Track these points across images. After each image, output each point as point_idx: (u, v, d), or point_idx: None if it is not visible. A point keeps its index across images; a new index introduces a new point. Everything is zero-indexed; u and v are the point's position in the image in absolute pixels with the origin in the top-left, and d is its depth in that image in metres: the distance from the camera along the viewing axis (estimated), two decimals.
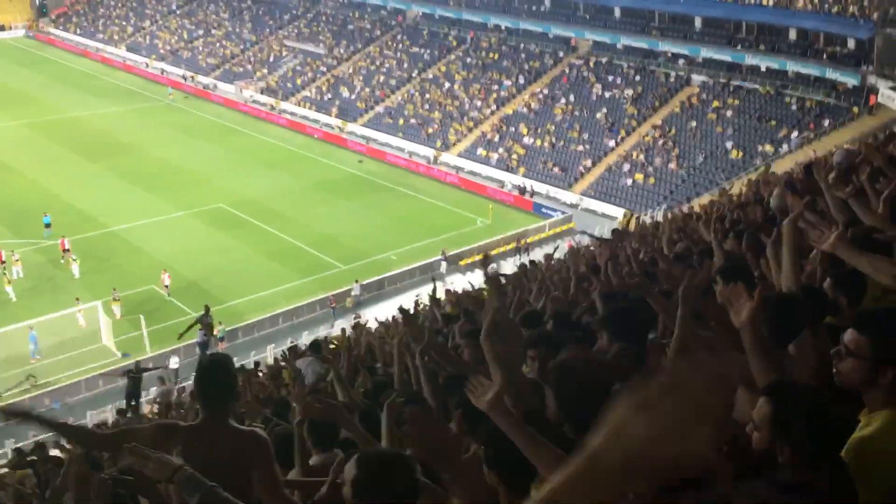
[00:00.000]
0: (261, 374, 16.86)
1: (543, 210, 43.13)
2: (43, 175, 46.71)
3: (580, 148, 47.55)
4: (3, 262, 34.32)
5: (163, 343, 29.14)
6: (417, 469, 2.93)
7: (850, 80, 42.02)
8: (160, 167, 48.78)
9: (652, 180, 43.54)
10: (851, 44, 42.76)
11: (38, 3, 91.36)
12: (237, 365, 21.15)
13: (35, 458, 11.87)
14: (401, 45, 64.50)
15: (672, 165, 43.86)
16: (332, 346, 13.99)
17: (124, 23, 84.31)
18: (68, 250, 35.65)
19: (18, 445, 18.96)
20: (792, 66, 44.79)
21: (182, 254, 36.77)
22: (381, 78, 61.15)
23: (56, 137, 54.16)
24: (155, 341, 29.40)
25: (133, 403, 21.75)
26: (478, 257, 37.09)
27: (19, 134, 54.96)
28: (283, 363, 15.33)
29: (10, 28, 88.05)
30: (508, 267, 27.94)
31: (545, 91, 53.54)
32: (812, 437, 2.64)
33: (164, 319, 30.81)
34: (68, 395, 27.13)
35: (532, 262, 18.48)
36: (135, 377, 21.76)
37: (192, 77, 69.29)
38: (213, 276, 34.75)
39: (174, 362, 27.33)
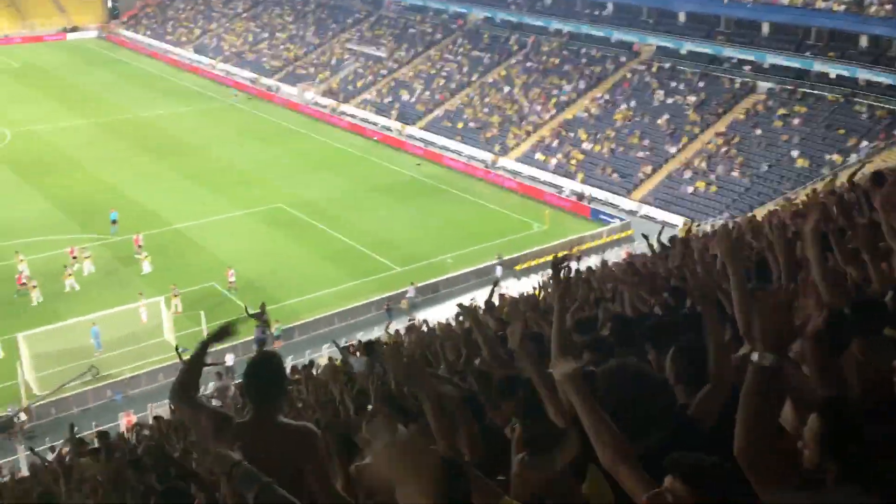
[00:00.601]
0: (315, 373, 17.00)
1: (601, 216, 42.68)
2: (111, 173, 48.05)
3: (640, 154, 46.93)
4: (75, 258, 35.26)
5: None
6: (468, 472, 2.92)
7: None
8: (223, 167, 49.74)
9: (714, 188, 42.71)
10: None
11: (109, 5, 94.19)
12: (292, 363, 21.41)
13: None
14: (461, 49, 64.62)
15: (735, 173, 42.97)
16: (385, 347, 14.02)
17: (192, 25, 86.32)
18: (141, 246, 36.55)
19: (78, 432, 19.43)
20: (862, 74, 43.47)
21: (241, 252, 37.40)
22: (441, 81, 61.34)
23: (124, 136, 55.66)
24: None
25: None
26: (535, 262, 36.90)
27: (89, 132, 56.64)
28: (337, 356, 15.44)
29: (84, 29, 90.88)
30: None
31: (606, 96, 53.02)
32: (862, 457, 2.53)
33: (224, 316, 31.24)
34: (130, 387, 27.81)
35: (589, 268, 18.26)
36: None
37: (257, 79, 70.53)
38: (271, 275, 35.26)
39: (230, 359, 27.78)
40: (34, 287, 32.96)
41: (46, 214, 41.67)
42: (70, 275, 33.89)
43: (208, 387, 23.56)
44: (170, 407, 20.59)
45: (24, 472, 17.98)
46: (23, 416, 25.98)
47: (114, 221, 39.35)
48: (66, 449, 16.14)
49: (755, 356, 2.69)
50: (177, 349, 22.21)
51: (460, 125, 55.59)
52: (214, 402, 19.86)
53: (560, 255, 4.70)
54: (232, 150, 53.03)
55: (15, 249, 35.37)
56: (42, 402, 26.51)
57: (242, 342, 28.34)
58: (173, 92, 68.51)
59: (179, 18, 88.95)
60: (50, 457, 19.72)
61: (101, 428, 23.19)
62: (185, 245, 38.41)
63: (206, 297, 33.22)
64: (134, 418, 24.41)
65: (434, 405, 4.07)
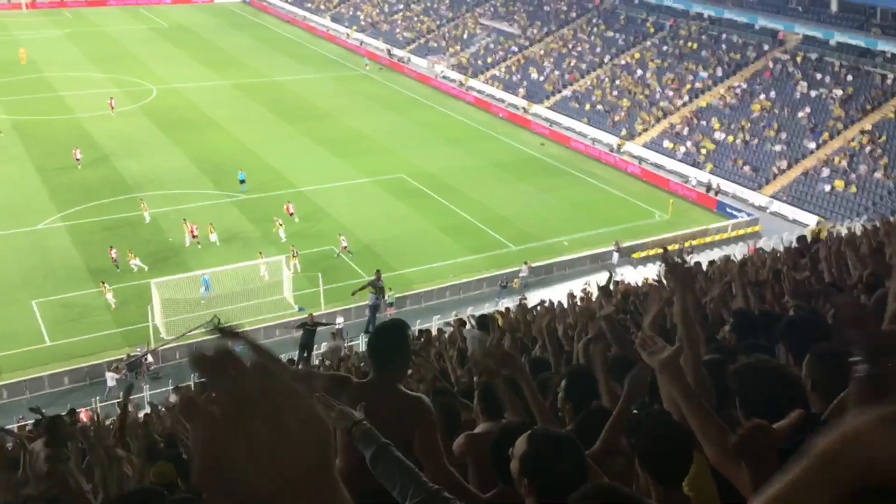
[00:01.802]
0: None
1: (728, 210, 41.12)
2: (245, 133, 50.00)
3: (776, 148, 44.82)
4: (195, 236, 35.20)
5: (335, 301, 30.53)
6: (584, 451, 3.05)
7: None
8: (349, 134, 50.86)
9: (853, 189, 40.34)
10: None
11: None
12: None
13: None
14: (595, 29, 63.35)
15: (878, 175, 40.42)
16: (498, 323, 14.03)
17: None
18: (293, 214, 37.56)
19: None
20: None
21: (361, 219, 38.23)
22: (572, 61, 60.38)
23: (259, 99, 57.73)
24: (329, 299, 30.85)
25: (305, 355, 22.94)
26: (653, 252, 36.01)
27: (228, 93, 59.04)
28: (451, 329, 15.57)
29: None
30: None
31: (744, 85, 50.83)
32: None
33: (339, 279, 32.21)
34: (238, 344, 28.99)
35: (711, 262, 17.65)
36: (310, 329, 22.92)
37: (389, 50, 71.53)
38: (388, 243, 35.90)
39: (340, 322, 28.55)
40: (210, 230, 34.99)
41: (184, 169, 43.82)
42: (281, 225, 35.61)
43: (322, 346, 24.33)
44: (286, 361, 21.29)
45: (147, 410, 19.09)
46: (150, 358, 27.64)
47: (242, 181, 40.89)
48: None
49: (857, 371, 2.52)
50: (304, 325, 23.01)
51: (588, 107, 54.63)
52: (326, 361, 20.49)
53: (671, 247, 4.57)
54: (360, 119, 54.10)
55: (183, 217, 36.40)
56: (167, 346, 28.10)
57: (354, 307, 29.06)
58: (308, 58, 70.44)
59: None
60: (173, 397, 20.90)
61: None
62: (308, 208, 39.58)
63: (324, 259, 34.20)
64: None
65: (531, 388, 4.06)
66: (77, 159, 42.90)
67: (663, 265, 4.28)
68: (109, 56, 67.19)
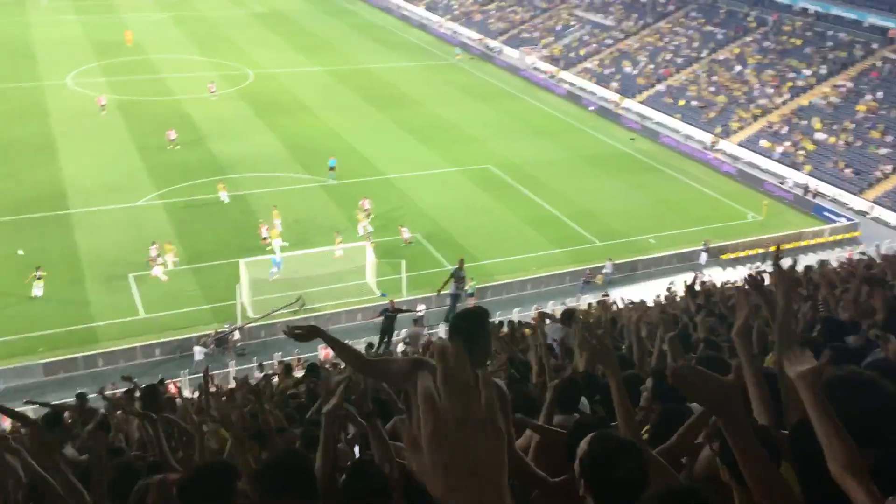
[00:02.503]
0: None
1: (825, 213, 39.53)
2: (336, 119, 50.77)
3: (881, 151, 42.81)
4: (266, 240, 34.23)
5: (417, 289, 30.74)
6: (645, 458, 3.06)
7: None
8: (438, 123, 51.03)
9: None
10: None
11: None
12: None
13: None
14: (694, 23, 61.73)
15: None
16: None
17: None
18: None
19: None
20: None
21: (446, 208, 38.35)
22: (668, 55, 59.02)
23: (351, 85, 58.49)
24: (411, 286, 31.09)
25: (385, 340, 23.21)
26: (744, 253, 34.97)
27: (320, 79, 60.03)
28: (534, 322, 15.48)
29: None
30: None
31: (849, 84, 48.71)
32: None
33: (422, 267, 32.41)
34: (330, 322, 29.53)
35: (808, 267, 17.02)
36: (391, 316, 23.17)
37: (481, 40, 71.40)
38: (472, 234, 35.89)
39: (421, 309, 28.72)
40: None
41: (276, 152, 44.81)
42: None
43: (401, 332, 24.56)
44: (366, 346, 21.66)
45: (232, 385, 19.64)
46: (237, 335, 28.44)
47: (332, 168, 41.45)
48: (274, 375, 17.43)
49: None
50: (385, 312, 23.29)
51: (682, 103, 53.32)
52: (407, 347, 20.69)
53: (774, 254, 4.41)
54: (448, 108, 54.22)
55: (273, 205, 36.25)
56: (254, 325, 28.85)
57: (435, 295, 29.19)
58: (400, 46, 70.96)
59: None
60: (257, 373, 21.45)
61: (301, 356, 24.97)
62: (395, 195, 39.94)
63: (408, 246, 34.44)
64: (330, 352, 25.95)
65: (619, 384, 4.00)
66: (171, 139, 44.37)
67: (774, 266, 4.13)
68: (210, 40, 69.22)
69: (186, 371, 25.71)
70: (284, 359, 24.13)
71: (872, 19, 51.32)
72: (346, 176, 41.29)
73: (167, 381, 18.78)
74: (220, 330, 28.30)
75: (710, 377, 2.85)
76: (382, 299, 29.19)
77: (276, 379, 15.30)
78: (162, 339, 27.92)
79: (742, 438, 2.83)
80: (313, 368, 12.73)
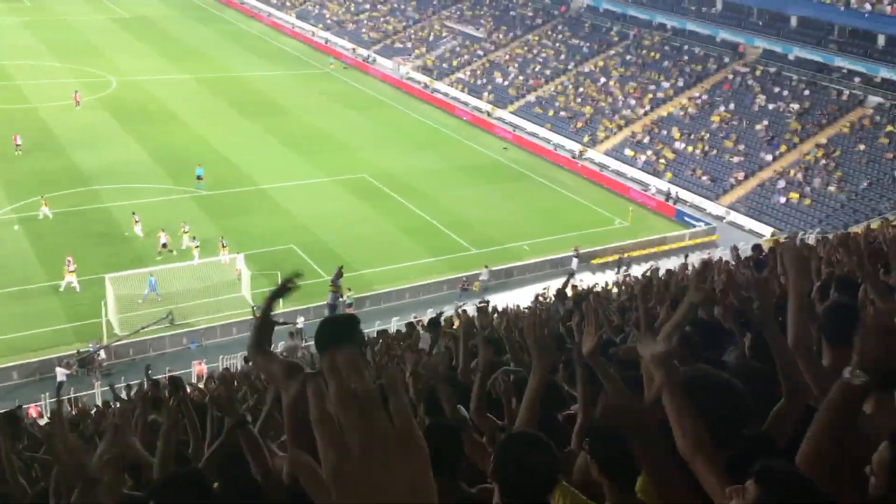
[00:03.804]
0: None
1: (686, 218, 41.72)
2: (206, 128, 49.41)
3: (734, 159, 45.60)
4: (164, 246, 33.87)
5: (294, 301, 30.28)
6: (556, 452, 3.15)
7: None
8: (313, 133, 50.55)
9: (808, 201, 41.20)
10: None
11: None
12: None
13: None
14: (560, 36, 63.84)
15: (832, 188, 41.35)
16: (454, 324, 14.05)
17: None
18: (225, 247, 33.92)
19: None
20: None
21: (322, 218, 38.01)
22: (537, 67, 60.77)
23: (222, 94, 57.08)
24: (287, 299, 30.53)
25: None
26: (612, 258, 36.34)
27: (189, 88, 58.28)
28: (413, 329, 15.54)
29: None
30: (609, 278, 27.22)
31: (704, 96, 51.64)
32: None
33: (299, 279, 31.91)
34: (205, 337, 28.70)
35: (669, 270, 17.87)
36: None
37: (355, 50, 71.27)
38: (349, 244, 35.72)
39: (301, 321, 28.33)
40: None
41: (142, 163, 43.13)
42: (186, 233, 34.06)
43: (278, 346, 24.10)
44: (244, 360, 21.20)
45: (98, 406, 18.73)
46: (102, 354, 27.14)
47: (199, 177, 40.32)
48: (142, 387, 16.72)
49: (847, 372, 2.61)
50: (253, 309, 22.82)
51: (551, 113, 55.02)
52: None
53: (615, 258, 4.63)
54: (323, 117, 53.81)
55: (132, 211, 35.63)
56: (121, 343, 27.62)
57: (314, 306, 28.86)
58: (273, 55, 69.87)
59: None
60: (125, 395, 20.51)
61: (173, 373, 24.06)
62: (268, 205, 39.24)
63: (283, 258, 33.89)
64: (205, 368, 25.19)
65: (539, 387, 4.02)
66: (17, 145, 42.02)
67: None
68: (68, 46, 65.92)
69: (47, 394, 24.30)
70: (156, 377, 23.20)
71: (724, 35, 54.65)
72: (217, 187, 40.25)
73: (26, 407, 17.72)
74: (83, 349, 26.93)
75: (630, 409, 2.97)
76: (258, 312, 28.57)
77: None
78: (20, 362, 26.30)
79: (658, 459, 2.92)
80: (175, 382, 12.07)
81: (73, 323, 28.52)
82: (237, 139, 48.05)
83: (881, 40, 46.81)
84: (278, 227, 36.71)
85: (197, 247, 33.29)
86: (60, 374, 25.64)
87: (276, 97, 57.54)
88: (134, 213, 35.19)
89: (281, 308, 29.45)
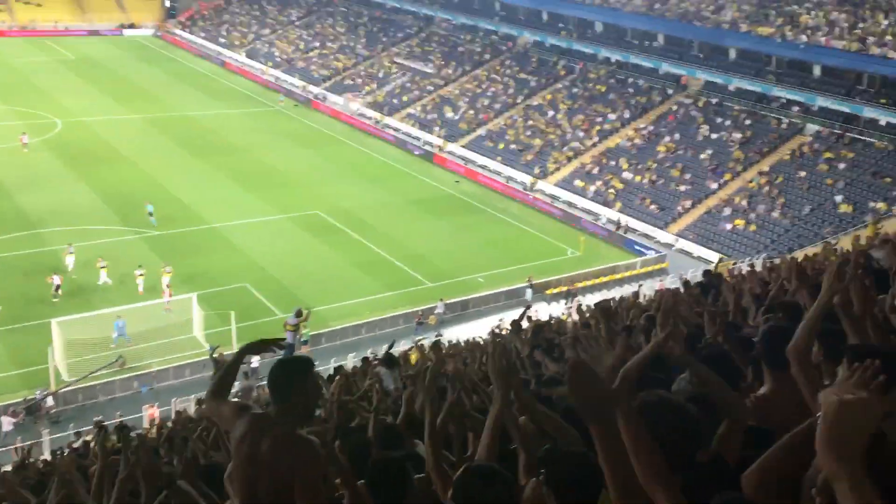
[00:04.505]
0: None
1: (636, 247, 42.39)
2: (156, 168, 48.88)
3: (681, 188, 46.59)
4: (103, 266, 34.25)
5: (248, 340, 29.85)
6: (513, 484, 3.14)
7: None
8: (264, 170, 50.35)
9: (753, 227, 42.22)
10: None
11: (167, 4, 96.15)
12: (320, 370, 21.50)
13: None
14: (508, 71, 64.85)
15: (776, 214, 42.45)
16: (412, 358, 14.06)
17: (246, 30, 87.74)
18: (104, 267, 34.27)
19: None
20: None
21: (276, 255, 37.76)
22: (486, 101, 61.56)
23: (172, 134, 56.63)
24: (242, 338, 30.17)
25: None
26: (566, 288, 36.70)
27: (138, 128, 57.71)
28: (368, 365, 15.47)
29: (140, 27, 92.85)
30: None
31: (650, 127, 52.80)
32: None
33: (253, 318, 31.61)
34: (157, 380, 28.13)
35: (621, 298, 18.14)
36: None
37: (305, 87, 71.42)
38: (303, 280, 35.50)
39: (255, 361, 27.97)
40: (103, 268, 33.68)
41: (90, 205, 42.44)
42: (104, 267, 34.09)
43: (233, 386, 23.71)
44: (196, 403, 20.85)
45: (47, 456, 18.22)
46: (50, 401, 26.41)
47: (150, 213, 40.02)
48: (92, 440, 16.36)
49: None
50: (211, 354, 22.49)
51: (502, 146, 55.68)
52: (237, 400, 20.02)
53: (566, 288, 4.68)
54: (274, 155, 53.67)
55: (68, 242, 35.40)
56: (70, 389, 26.94)
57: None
58: (222, 94, 69.63)
59: (234, 22, 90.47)
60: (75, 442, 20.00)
61: (124, 419, 23.51)
62: (220, 244, 38.85)
63: (238, 297, 33.53)
64: (157, 411, 24.68)
65: (499, 416, 3.99)
66: None
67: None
68: (12, 87, 64.90)
69: None
70: (105, 422, 22.65)
71: (667, 67, 56.10)
72: (168, 226, 39.79)
73: None
74: (29, 397, 26.18)
75: (599, 380, 2.92)
76: (215, 353, 28.14)
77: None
78: None
79: (613, 447, 2.88)
80: (123, 429, 11.95)
81: (20, 370, 27.76)
82: (187, 178, 47.62)
83: (817, 70, 48.52)
84: (231, 266, 36.34)
85: (141, 275, 33.34)
86: (6, 423, 24.88)
87: (226, 135, 57.26)
88: (70, 245, 34.69)
89: (235, 348, 29.06)
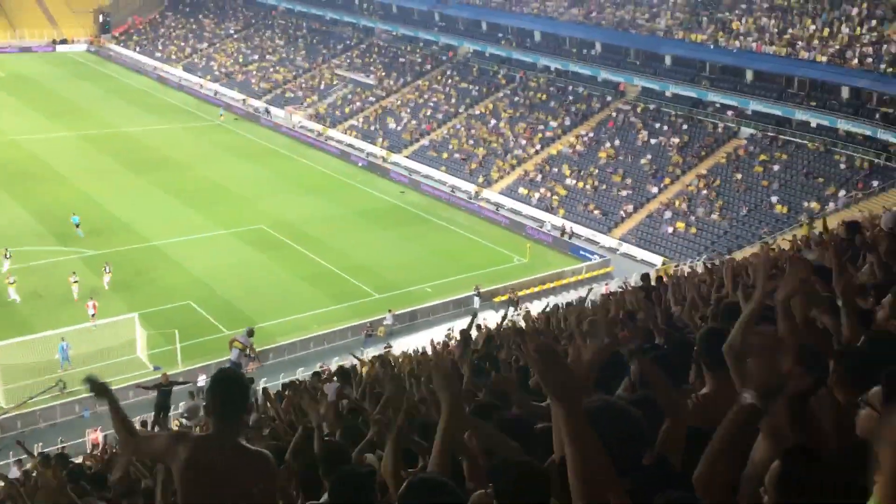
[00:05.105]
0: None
1: (581, 252, 42.91)
2: (93, 186, 47.78)
3: (623, 193, 47.35)
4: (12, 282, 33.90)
5: (194, 359, 29.38)
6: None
7: None
8: (206, 186, 49.62)
9: (693, 230, 43.13)
10: None
11: (101, 19, 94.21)
12: (267, 385, 21.20)
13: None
14: (450, 81, 65.16)
15: (714, 216, 43.43)
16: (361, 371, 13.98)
17: (182, 43, 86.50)
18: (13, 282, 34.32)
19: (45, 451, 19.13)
20: (843, 125, 44.23)
21: (221, 272, 37.21)
22: (429, 111, 61.74)
23: (108, 151, 55.43)
24: (187, 357, 29.66)
25: (161, 416, 21.88)
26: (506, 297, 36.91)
27: (74, 145, 56.37)
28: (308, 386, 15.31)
29: (73, 42, 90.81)
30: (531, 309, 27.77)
31: (591, 134, 53.56)
32: None
33: (198, 336, 31.09)
34: (99, 404, 27.39)
35: (569, 303, 18.32)
36: (165, 390, 21.88)
37: (245, 100, 70.69)
38: (249, 296, 35.05)
39: (202, 380, 27.48)
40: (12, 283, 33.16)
41: (23, 224, 41.28)
42: (12, 283, 33.44)
43: (179, 406, 23.31)
44: (140, 425, 20.35)
45: None
46: None
47: (77, 225, 39.89)
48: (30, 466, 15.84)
49: (745, 395, 2.77)
50: (159, 386, 21.89)
51: (445, 155, 55.88)
52: (184, 422, 19.65)
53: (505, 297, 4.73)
54: (216, 170, 52.95)
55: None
56: (8, 415, 26.08)
57: (216, 361, 28.05)
58: (160, 109, 68.46)
59: (170, 36, 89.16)
60: (13, 472, 19.38)
61: (66, 444, 22.89)
62: (163, 262, 38.14)
63: (181, 316, 32.92)
64: (100, 435, 24.05)
65: (450, 417, 3.96)
66: None
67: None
68: None
69: None
70: (45, 449, 21.99)
71: (605, 75, 57.01)
72: (107, 245, 38.89)
73: None
74: None
75: (564, 361, 2.91)
76: (156, 373, 27.58)
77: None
78: None
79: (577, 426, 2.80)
80: (45, 459, 11.57)
81: None
82: (126, 196, 46.66)
83: (749, 75, 49.85)
84: (174, 284, 35.70)
85: (75, 281, 33.69)
86: None
87: (166, 151, 56.30)
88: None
89: (181, 367, 28.53)
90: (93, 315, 31.67)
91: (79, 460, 15.42)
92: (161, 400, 21.66)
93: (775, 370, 2.84)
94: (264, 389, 12.75)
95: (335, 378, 13.06)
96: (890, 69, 42.45)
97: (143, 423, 20.58)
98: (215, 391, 4.12)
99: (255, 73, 76.53)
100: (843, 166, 43.34)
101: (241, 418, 4.17)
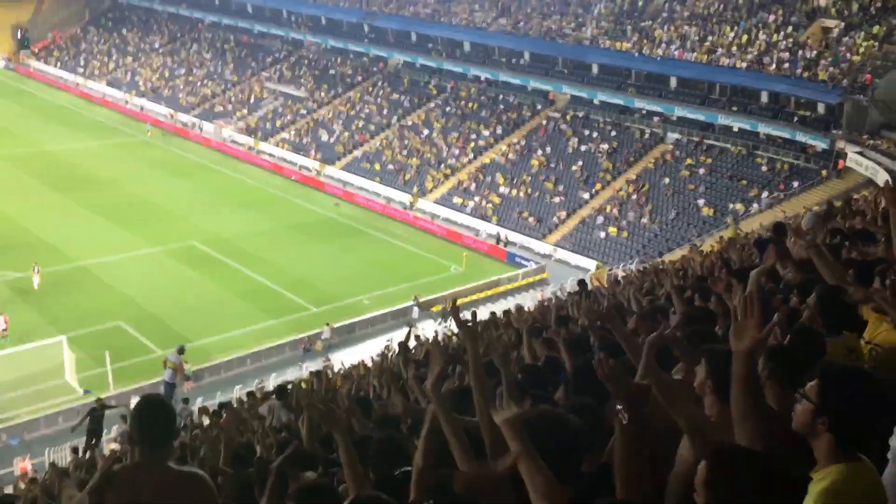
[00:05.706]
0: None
1: (517, 259, 43.31)
2: (15, 207, 46.17)
3: (555, 199, 48.00)
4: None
5: (126, 381, 28.61)
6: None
7: (820, 144, 42.96)
8: (134, 203, 48.47)
9: (625, 234, 43.97)
10: (821, 108, 43.83)
11: (19, 35, 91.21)
12: (203, 405, 20.79)
13: None
14: (381, 92, 65.12)
15: (645, 220, 44.38)
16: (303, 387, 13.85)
17: (106, 58, 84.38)
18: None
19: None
20: (763, 128, 45.76)
21: (152, 290, 36.37)
22: (361, 123, 61.58)
23: (30, 170, 53.70)
24: (119, 379, 28.85)
25: (94, 441, 21.25)
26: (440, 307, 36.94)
27: None
28: (245, 407, 15.10)
29: None
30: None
31: (522, 142, 54.17)
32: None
33: (129, 357, 30.31)
34: (27, 431, 26.48)
35: (506, 311, 18.47)
36: (97, 415, 21.26)
37: (173, 115, 69.36)
38: (182, 314, 34.33)
39: (134, 402, 26.78)
40: None
41: None
42: None
43: (111, 430, 22.66)
44: (72, 452, 19.77)
45: None
46: None
47: None
48: None
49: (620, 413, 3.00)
50: (91, 411, 21.22)
51: (378, 166, 55.81)
52: (116, 446, 19.12)
53: (449, 305, 4.83)
54: (144, 186, 51.78)
55: None
56: None
57: (149, 383, 27.41)
58: (84, 126, 66.65)
59: (93, 51, 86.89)
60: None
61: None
62: (91, 282, 37.08)
63: (112, 337, 32.03)
64: (29, 464, 23.22)
65: (347, 445, 4.08)
66: None
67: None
68: None
69: None
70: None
71: (535, 83, 57.75)
72: (29, 267, 37.56)
73: None
74: None
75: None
76: (87, 396, 26.79)
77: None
78: None
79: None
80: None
81: None
82: (50, 216, 45.23)
83: (673, 82, 51.13)
84: (103, 304, 34.73)
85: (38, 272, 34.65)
86: None
87: (91, 169, 54.80)
88: None
89: (112, 390, 27.74)
90: (4, 329, 30.77)
91: (9, 490, 14.88)
92: (94, 425, 21.05)
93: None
94: (201, 408, 12.53)
95: (274, 396, 12.92)
96: (806, 73, 44.10)
97: (75, 450, 19.98)
98: (140, 419, 4.00)
99: (182, 87, 75.15)
100: (764, 168, 44.80)
101: (170, 444, 4.07)
